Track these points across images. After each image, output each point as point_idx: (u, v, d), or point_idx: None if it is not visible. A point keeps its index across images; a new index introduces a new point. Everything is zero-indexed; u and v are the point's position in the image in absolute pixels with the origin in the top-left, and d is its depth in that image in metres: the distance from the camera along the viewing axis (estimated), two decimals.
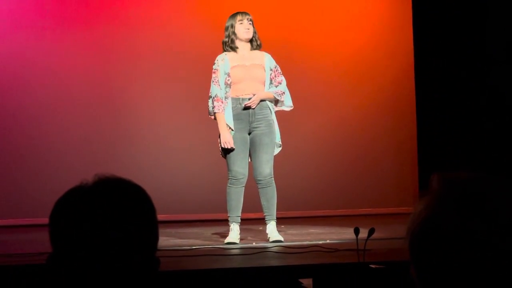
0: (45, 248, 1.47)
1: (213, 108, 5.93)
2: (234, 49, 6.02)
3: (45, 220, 1.39)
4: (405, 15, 8.49)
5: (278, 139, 6.02)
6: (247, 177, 5.93)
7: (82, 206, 1.32)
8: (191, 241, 6.07)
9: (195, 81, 8.05)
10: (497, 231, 1.12)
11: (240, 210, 5.94)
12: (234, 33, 6.00)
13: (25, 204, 7.91)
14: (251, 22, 6.01)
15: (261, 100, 5.93)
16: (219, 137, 5.92)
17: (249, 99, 5.91)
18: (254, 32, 6.04)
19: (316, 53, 8.55)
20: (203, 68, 7.52)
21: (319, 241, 5.72)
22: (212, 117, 6.00)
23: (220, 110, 5.88)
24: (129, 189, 1.37)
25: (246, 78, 5.93)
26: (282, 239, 5.81)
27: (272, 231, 5.89)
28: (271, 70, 6.01)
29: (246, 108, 5.89)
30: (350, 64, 8.64)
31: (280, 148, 6.07)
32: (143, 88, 8.33)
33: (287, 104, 6.07)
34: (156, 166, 8.27)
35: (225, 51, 6.06)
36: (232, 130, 5.87)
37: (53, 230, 1.35)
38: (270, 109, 5.98)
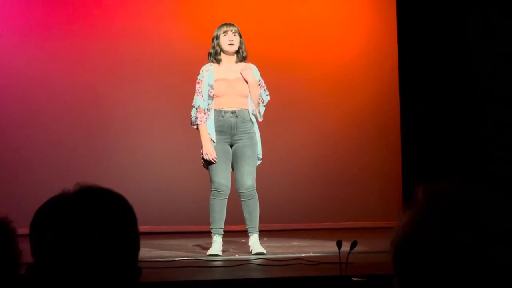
0: (25, 258, 1.45)
1: (195, 119, 5.92)
2: (218, 61, 6.01)
3: (25, 230, 1.38)
4: (390, 29, 8.52)
5: (258, 152, 6.01)
6: (230, 189, 5.92)
7: (62, 215, 1.31)
8: (173, 253, 6.05)
9: (181, 91, 8.04)
10: (482, 243, 1.12)
11: (223, 222, 5.92)
12: (218, 44, 5.99)
13: (5, 213, 7.84)
14: (236, 34, 6.00)
15: (250, 82, 5.90)
16: (201, 148, 5.92)
17: (232, 112, 5.91)
18: (241, 43, 6.02)
19: (301, 66, 8.56)
20: (189, 78, 7.51)
21: (301, 254, 5.71)
22: (195, 126, 6.00)
23: (203, 122, 5.88)
24: (111, 198, 1.35)
25: (229, 92, 5.92)
26: (264, 251, 5.80)
27: (254, 243, 5.88)
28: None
29: (232, 111, 5.87)
30: (335, 78, 8.66)
31: (260, 161, 6.05)
32: (127, 97, 8.31)
33: (261, 113, 6.02)
34: (139, 177, 8.24)
35: (210, 62, 6.05)
36: (214, 142, 5.87)
37: (34, 239, 1.33)
38: (252, 122, 5.97)
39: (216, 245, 5.85)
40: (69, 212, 1.31)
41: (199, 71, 6.02)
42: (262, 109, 6.03)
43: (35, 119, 8.12)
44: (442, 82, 8.06)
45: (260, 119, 6.04)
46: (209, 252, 5.81)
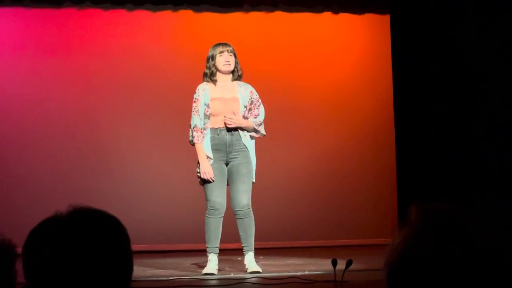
0: (18, 279, 1.45)
1: (193, 138, 5.93)
2: (214, 81, 6.01)
3: (19, 251, 1.37)
4: (384, 48, 8.55)
5: (253, 173, 6.00)
6: (225, 207, 5.91)
7: (56, 237, 1.31)
8: (169, 272, 6.03)
9: (175, 110, 8.05)
10: (474, 262, 1.12)
11: (219, 241, 5.91)
12: (214, 65, 5.99)
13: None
14: (232, 54, 6.00)
15: (239, 128, 5.92)
16: (198, 165, 5.92)
17: (227, 130, 5.90)
18: (236, 63, 6.03)
19: (296, 85, 8.57)
20: (184, 97, 7.53)
21: (297, 272, 5.70)
22: (193, 145, 6.01)
23: (199, 141, 5.89)
24: (103, 219, 1.35)
25: (225, 111, 5.92)
26: (260, 270, 5.78)
27: (250, 262, 5.87)
28: (245, 106, 5.99)
29: (227, 129, 5.88)
30: (329, 96, 8.67)
31: (253, 182, 6.03)
32: (123, 116, 8.30)
33: (262, 132, 6.06)
34: (134, 195, 8.22)
35: (206, 82, 6.05)
36: (211, 159, 5.87)
37: (27, 260, 1.33)
38: (246, 148, 5.94)
39: (212, 264, 5.83)
40: (62, 234, 1.31)
41: (195, 90, 6.03)
42: (262, 128, 6.03)
43: (30, 139, 8.10)
44: (437, 99, 8.08)
45: (263, 133, 6.03)
46: (205, 271, 5.79)
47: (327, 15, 8.74)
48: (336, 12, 8.76)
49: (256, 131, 6.01)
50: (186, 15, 8.49)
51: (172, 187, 8.30)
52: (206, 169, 5.83)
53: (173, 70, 8.35)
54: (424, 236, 1.16)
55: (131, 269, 1.36)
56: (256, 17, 8.62)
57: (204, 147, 5.88)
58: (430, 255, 1.14)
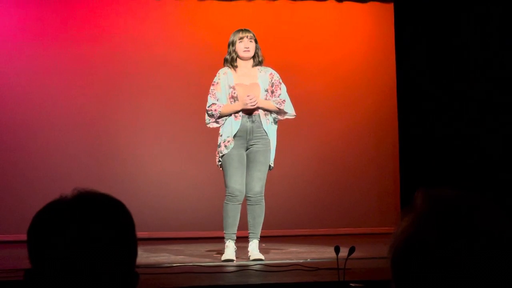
0: (23, 264, 1.46)
1: (214, 111, 5.86)
2: (235, 67, 6.00)
3: (23, 236, 1.37)
4: (388, 39, 8.54)
5: (271, 160, 6.00)
6: (244, 194, 5.91)
7: (60, 220, 1.31)
8: (171, 258, 6.04)
9: (185, 99, 8.04)
10: (480, 249, 1.11)
11: (236, 227, 5.92)
12: (235, 51, 5.99)
13: (3, 220, 7.83)
14: (252, 40, 5.99)
15: (260, 108, 5.90)
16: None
17: (248, 117, 5.86)
18: (257, 49, 6.02)
19: (299, 75, 8.55)
20: (193, 87, 7.53)
21: (300, 259, 5.71)
22: (211, 125, 5.94)
23: (221, 106, 5.84)
24: (108, 203, 1.35)
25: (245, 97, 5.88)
26: (262, 257, 5.79)
27: (253, 249, 5.88)
28: (266, 90, 5.97)
29: (248, 115, 5.84)
30: (333, 86, 8.66)
31: (270, 168, 6.02)
32: (130, 103, 8.29)
33: (290, 112, 6.04)
34: (139, 182, 8.21)
35: (227, 67, 6.03)
36: (232, 142, 5.83)
37: (31, 244, 1.33)
38: (267, 134, 5.93)
39: (230, 250, 5.85)
40: (66, 217, 1.31)
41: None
42: (289, 107, 5.99)
43: (34, 125, 8.10)
44: (440, 90, 8.08)
45: (292, 112, 6.00)
46: (223, 257, 5.81)
47: (331, 3, 8.72)
48: (340, 0, 8.73)
49: (279, 111, 5.97)
50: (189, 3, 8.46)
51: (177, 174, 8.29)
52: (246, 100, 5.78)
53: (175, 57, 8.33)
54: (430, 222, 1.15)
55: (135, 254, 1.36)
56: (259, 5, 8.60)
57: (226, 130, 5.84)
58: (435, 241, 1.13)
